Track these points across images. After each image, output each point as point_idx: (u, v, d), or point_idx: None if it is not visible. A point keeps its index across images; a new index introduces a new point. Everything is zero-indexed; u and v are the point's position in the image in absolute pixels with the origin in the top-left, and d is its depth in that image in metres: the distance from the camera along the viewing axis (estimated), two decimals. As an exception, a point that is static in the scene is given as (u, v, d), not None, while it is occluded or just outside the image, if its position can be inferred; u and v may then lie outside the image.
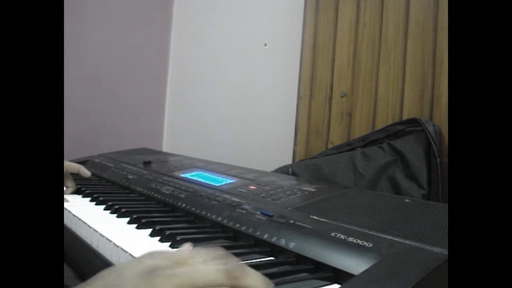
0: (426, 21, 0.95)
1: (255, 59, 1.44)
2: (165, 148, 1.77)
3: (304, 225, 0.50)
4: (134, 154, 1.18)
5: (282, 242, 0.48)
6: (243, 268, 0.30)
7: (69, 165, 0.89)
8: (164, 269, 0.28)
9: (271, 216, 0.54)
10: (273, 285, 0.32)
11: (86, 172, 0.91)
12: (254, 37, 1.44)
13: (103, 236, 0.53)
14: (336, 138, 1.13)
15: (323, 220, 0.51)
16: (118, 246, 0.49)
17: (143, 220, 0.59)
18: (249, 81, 1.46)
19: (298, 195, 0.64)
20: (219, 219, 0.59)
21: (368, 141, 1.01)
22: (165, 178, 0.84)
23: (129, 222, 0.61)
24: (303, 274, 0.43)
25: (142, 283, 0.27)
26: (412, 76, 0.98)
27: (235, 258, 0.32)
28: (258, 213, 0.56)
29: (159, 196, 0.74)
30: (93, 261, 0.53)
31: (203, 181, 0.79)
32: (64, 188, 0.86)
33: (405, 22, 1.00)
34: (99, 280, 0.29)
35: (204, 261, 0.30)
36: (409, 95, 0.98)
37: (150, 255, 0.31)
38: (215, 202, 0.64)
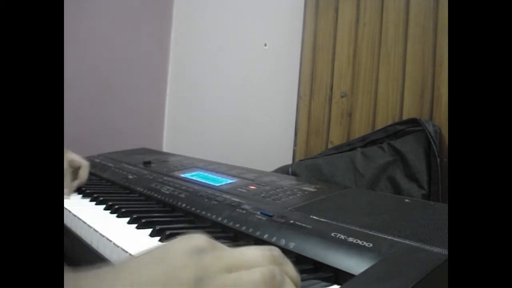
0: (426, 22, 0.95)
1: (255, 59, 1.44)
2: (165, 148, 1.77)
3: (304, 225, 0.50)
4: (134, 154, 1.18)
5: (282, 242, 0.48)
6: (286, 277, 0.30)
7: (72, 161, 0.86)
8: (213, 251, 0.28)
9: (271, 216, 0.54)
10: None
11: (83, 176, 0.87)
12: (254, 37, 1.44)
13: (103, 236, 0.53)
14: (336, 138, 1.13)
15: (323, 220, 0.51)
16: (118, 246, 0.49)
17: (143, 220, 0.59)
18: (249, 81, 1.46)
19: (298, 195, 0.64)
20: (219, 219, 0.59)
21: (368, 141, 1.01)
22: (165, 178, 0.84)
23: (129, 222, 0.61)
24: (303, 274, 0.43)
25: (192, 260, 0.27)
26: (412, 76, 0.98)
27: (289, 262, 0.32)
28: (258, 213, 0.56)
29: (159, 196, 0.74)
30: (93, 261, 0.53)
31: (203, 181, 0.79)
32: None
33: (405, 22, 1.00)
34: (146, 254, 0.29)
35: (244, 253, 0.30)
36: (409, 95, 0.98)
37: (193, 237, 0.30)
38: (215, 202, 0.64)
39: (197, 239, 0.30)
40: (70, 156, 0.87)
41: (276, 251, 0.31)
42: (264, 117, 1.40)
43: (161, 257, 0.28)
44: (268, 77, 1.39)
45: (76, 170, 0.87)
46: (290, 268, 0.31)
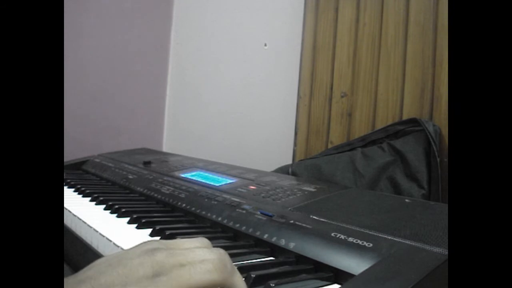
0: (426, 21, 0.95)
1: (255, 59, 1.44)
2: (165, 148, 1.77)
3: (304, 225, 0.50)
4: (134, 154, 1.18)
5: (282, 242, 0.48)
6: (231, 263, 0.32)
7: None
8: (166, 250, 0.30)
9: (271, 216, 0.54)
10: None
11: None
12: (254, 37, 1.44)
13: (103, 236, 0.53)
14: (336, 138, 1.13)
15: (323, 220, 0.51)
16: (118, 246, 0.49)
17: (143, 220, 0.59)
18: (249, 81, 1.46)
19: (298, 195, 0.64)
20: (219, 219, 0.59)
21: (368, 141, 1.01)
22: (165, 178, 0.84)
23: (129, 222, 0.61)
24: (303, 274, 0.43)
25: (147, 259, 0.29)
26: (412, 76, 0.98)
27: (220, 248, 0.33)
28: (258, 213, 0.56)
29: (159, 196, 0.74)
30: (93, 261, 0.53)
31: (203, 181, 0.79)
32: None
33: (405, 22, 1.00)
34: (104, 262, 0.30)
35: (196, 247, 0.32)
36: (409, 95, 0.98)
37: (147, 242, 0.32)
38: (215, 202, 0.64)
39: (151, 243, 0.32)
40: None
41: (205, 240, 0.34)
42: (264, 117, 1.40)
43: (117, 261, 0.29)
44: (268, 77, 1.39)
45: None
46: (221, 251, 0.33)
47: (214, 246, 0.34)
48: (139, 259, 0.29)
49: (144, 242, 0.32)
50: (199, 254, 0.30)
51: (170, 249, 0.31)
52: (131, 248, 0.31)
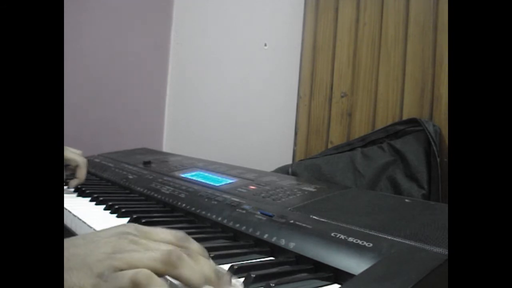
0: (426, 21, 0.95)
1: (255, 59, 1.44)
2: (165, 148, 1.76)
3: (304, 225, 0.50)
4: (134, 154, 1.18)
5: (282, 242, 0.48)
6: (184, 257, 0.33)
7: (69, 160, 0.86)
8: (134, 236, 0.35)
9: (271, 216, 0.54)
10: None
11: (81, 176, 0.86)
12: (254, 37, 1.44)
13: (103, 236, 0.53)
14: (336, 138, 1.13)
15: (323, 220, 0.51)
16: (118, 246, 0.49)
17: (143, 220, 0.59)
18: (249, 81, 1.46)
19: (298, 195, 0.64)
20: (219, 219, 0.59)
21: (368, 141, 1.01)
22: (165, 178, 0.84)
23: (129, 222, 0.61)
24: (303, 274, 0.43)
25: (113, 239, 0.33)
26: (412, 76, 0.98)
27: (194, 241, 0.37)
28: (258, 213, 0.56)
29: (159, 196, 0.74)
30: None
31: (203, 181, 0.79)
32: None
33: (405, 22, 1.00)
34: (81, 238, 0.34)
35: (162, 240, 0.36)
36: (409, 95, 0.98)
37: (125, 225, 0.37)
38: (215, 202, 0.64)
39: (127, 226, 0.36)
40: (68, 155, 0.86)
41: (180, 233, 0.37)
42: (264, 117, 1.40)
43: (91, 238, 0.34)
44: (268, 77, 1.39)
45: (74, 168, 0.87)
46: (194, 245, 0.37)
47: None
48: (108, 239, 0.33)
49: (123, 224, 0.37)
50: (158, 238, 0.35)
51: (140, 235, 0.35)
52: (108, 228, 0.36)
